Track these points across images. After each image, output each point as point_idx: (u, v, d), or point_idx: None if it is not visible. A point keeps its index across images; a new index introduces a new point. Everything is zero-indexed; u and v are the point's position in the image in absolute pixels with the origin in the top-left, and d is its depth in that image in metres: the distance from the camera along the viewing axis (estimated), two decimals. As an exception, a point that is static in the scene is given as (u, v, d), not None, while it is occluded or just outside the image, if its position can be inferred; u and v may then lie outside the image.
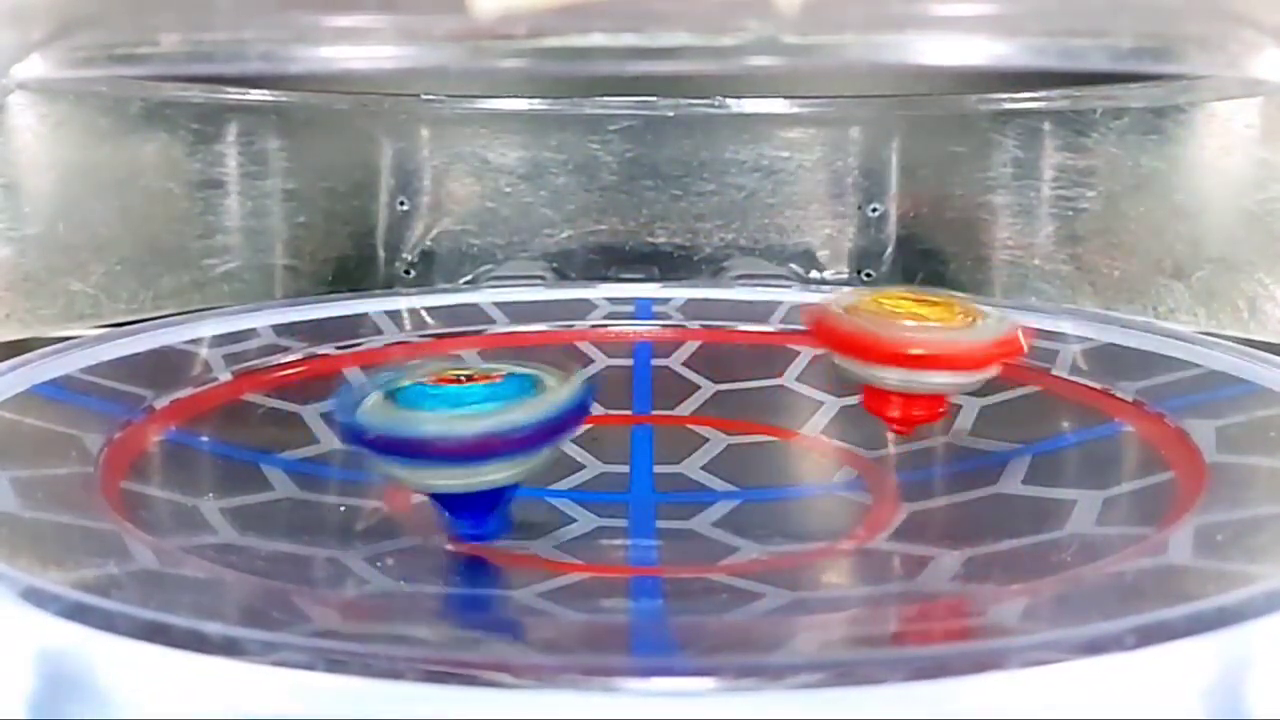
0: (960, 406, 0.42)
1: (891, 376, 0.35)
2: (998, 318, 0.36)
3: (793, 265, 0.60)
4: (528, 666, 0.26)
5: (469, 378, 0.32)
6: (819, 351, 0.48)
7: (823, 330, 0.37)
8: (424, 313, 0.53)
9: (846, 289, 0.41)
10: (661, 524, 0.36)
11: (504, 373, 0.32)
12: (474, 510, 0.32)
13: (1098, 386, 0.43)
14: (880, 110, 0.59)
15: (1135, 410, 0.41)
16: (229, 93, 0.58)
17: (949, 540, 0.34)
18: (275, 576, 0.31)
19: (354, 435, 0.31)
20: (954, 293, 0.38)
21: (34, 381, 0.41)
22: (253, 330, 0.49)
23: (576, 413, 0.32)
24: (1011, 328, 0.36)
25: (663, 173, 0.60)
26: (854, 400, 0.44)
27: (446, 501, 0.32)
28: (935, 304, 0.36)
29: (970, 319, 0.36)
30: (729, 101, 0.59)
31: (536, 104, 0.60)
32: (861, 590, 0.34)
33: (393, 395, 0.32)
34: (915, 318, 0.36)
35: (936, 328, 0.35)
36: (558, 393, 0.32)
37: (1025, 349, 0.37)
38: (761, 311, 0.52)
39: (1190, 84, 0.55)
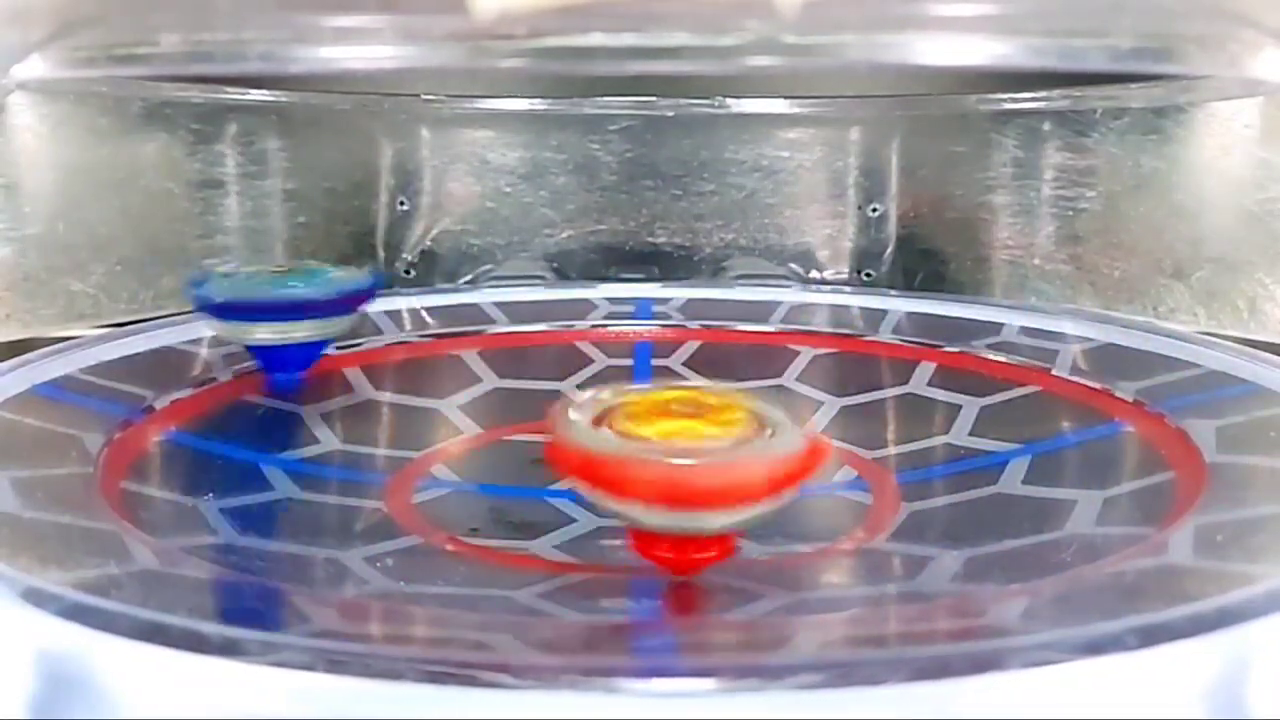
0: (960, 407, 0.42)
1: (654, 518, 0.27)
2: (788, 425, 0.28)
3: (793, 265, 0.60)
4: (528, 666, 0.26)
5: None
6: (820, 351, 0.48)
7: (561, 454, 0.28)
8: (424, 313, 0.53)
9: (595, 392, 0.30)
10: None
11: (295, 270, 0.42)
12: (288, 363, 0.41)
13: (1098, 386, 0.43)
14: (880, 110, 0.59)
15: (1135, 410, 0.41)
16: (229, 93, 0.58)
17: (949, 540, 0.34)
18: (275, 576, 0.31)
19: (201, 304, 0.41)
20: (739, 391, 0.30)
21: (34, 381, 0.41)
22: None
23: (361, 293, 0.42)
24: (803, 442, 0.28)
25: (663, 173, 0.60)
26: (854, 400, 0.44)
27: (265, 356, 0.41)
28: (712, 406, 0.28)
29: (755, 429, 0.28)
30: (729, 101, 0.59)
31: (536, 104, 0.60)
32: (861, 590, 0.34)
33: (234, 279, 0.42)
34: (681, 433, 0.27)
35: (706, 449, 0.27)
36: (344, 279, 0.41)
37: (820, 464, 0.28)
38: (761, 311, 0.52)
39: (1190, 84, 0.55)
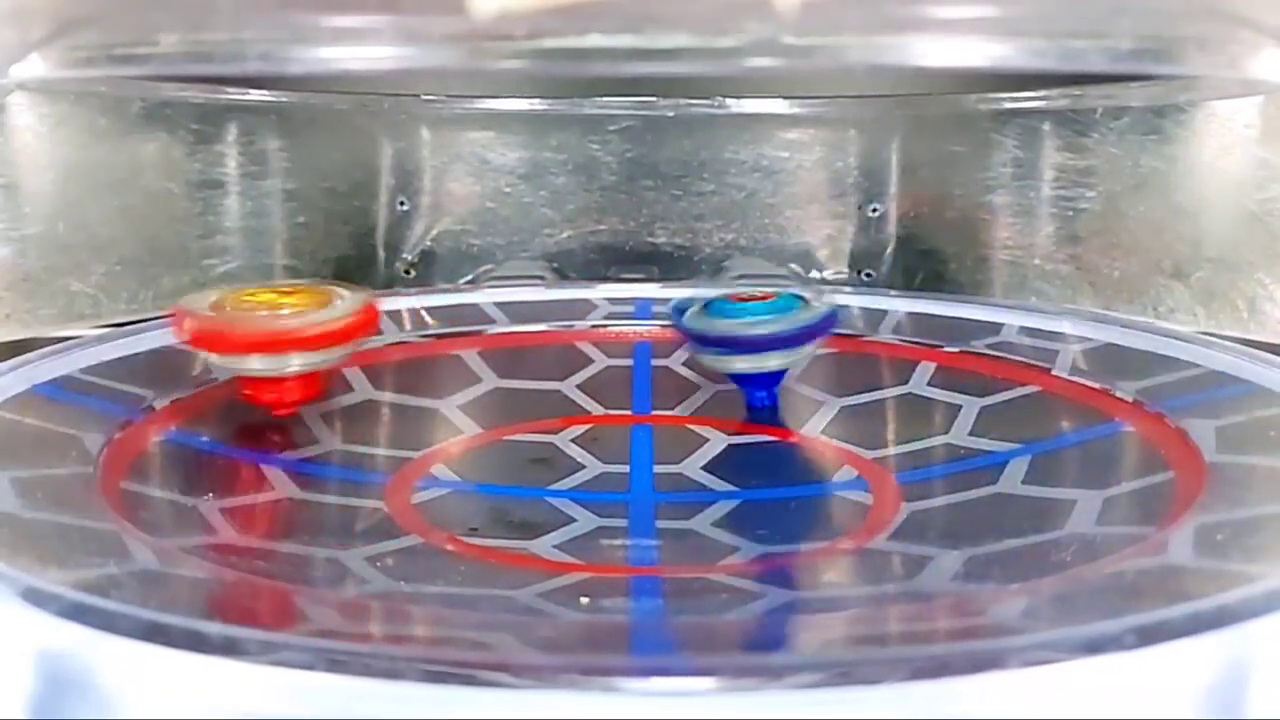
0: (960, 407, 0.42)
1: (255, 364, 0.38)
2: (353, 297, 0.40)
3: (793, 265, 0.60)
4: (528, 666, 0.26)
5: (751, 298, 0.44)
6: (820, 351, 0.48)
7: (187, 329, 0.39)
8: (424, 313, 0.52)
9: (207, 291, 0.41)
10: (661, 524, 0.36)
11: (775, 294, 0.44)
12: (760, 386, 0.44)
13: (1098, 386, 0.43)
14: (880, 110, 0.59)
15: (1135, 410, 0.41)
16: (229, 93, 0.58)
17: (949, 540, 0.34)
18: (275, 576, 0.31)
19: (690, 335, 0.44)
20: (318, 283, 0.42)
21: (34, 381, 0.41)
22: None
23: (826, 323, 0.43)
24: (364, 303, 0.39)
25: (663, 173, 0.60)
26: (854, 400, 0.44)
27: (743, 380, 0.44)
28: (294, 292, 0.39)
29: (327, 301, 0.39)
30: (729, 101, 0.59)
31: (536, 104, 0.60)
32: (861, 590, 0.34)
33: (705, 308, 0.44)
34: (272, 306, 0.38)
35: (291, 314, 0.38)
36: (812, 310, 0.43)
37: (376, 323, 0.41)
38: (761, 311, 0.52)
39: (1190, 84, 0.55)
